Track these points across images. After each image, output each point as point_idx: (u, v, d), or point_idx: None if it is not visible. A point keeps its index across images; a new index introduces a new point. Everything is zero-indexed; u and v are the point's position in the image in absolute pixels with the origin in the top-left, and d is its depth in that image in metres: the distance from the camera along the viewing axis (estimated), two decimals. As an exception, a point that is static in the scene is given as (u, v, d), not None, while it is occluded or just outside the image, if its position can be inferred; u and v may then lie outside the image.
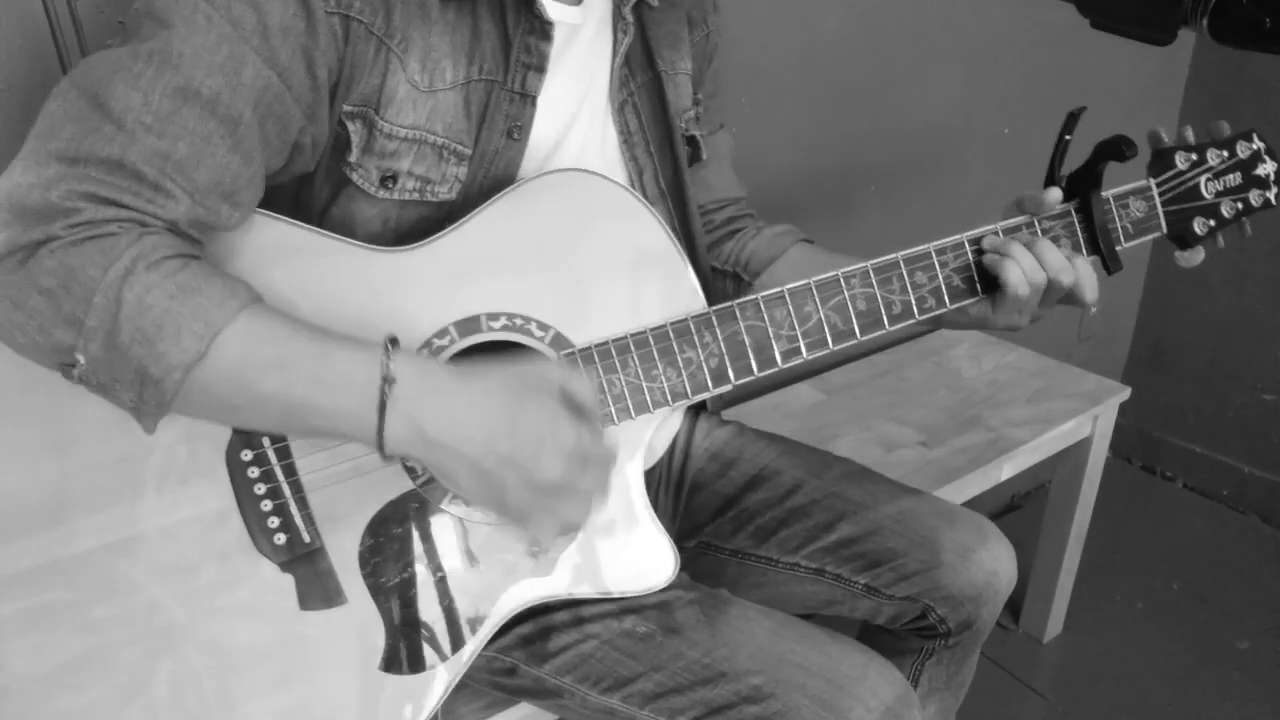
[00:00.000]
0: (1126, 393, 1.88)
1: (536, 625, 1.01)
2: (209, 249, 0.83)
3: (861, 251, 1.18)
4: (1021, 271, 0.97)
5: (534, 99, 0.95)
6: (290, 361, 0.75)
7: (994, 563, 1.14)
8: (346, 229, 0.91)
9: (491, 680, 1.06)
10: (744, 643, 0.97)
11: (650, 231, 0.97)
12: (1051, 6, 0.89)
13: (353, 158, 0.89)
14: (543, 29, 0.93)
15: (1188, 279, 1.06)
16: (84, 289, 0.71)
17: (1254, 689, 1.99)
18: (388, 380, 0.75)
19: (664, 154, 1.10)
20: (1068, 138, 1.01)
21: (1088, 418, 1.83)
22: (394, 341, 0.76)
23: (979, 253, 1.01)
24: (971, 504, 1.58)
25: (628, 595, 1.00)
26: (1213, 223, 1.07)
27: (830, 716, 0.92)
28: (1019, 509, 2.53)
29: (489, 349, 0.91)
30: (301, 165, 0.89)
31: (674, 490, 1.24)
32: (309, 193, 0.93)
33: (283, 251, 0.86)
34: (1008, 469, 1.70)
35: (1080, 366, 1.94)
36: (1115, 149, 0.98)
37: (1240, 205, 1.07)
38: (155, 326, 0.72)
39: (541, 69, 0.94)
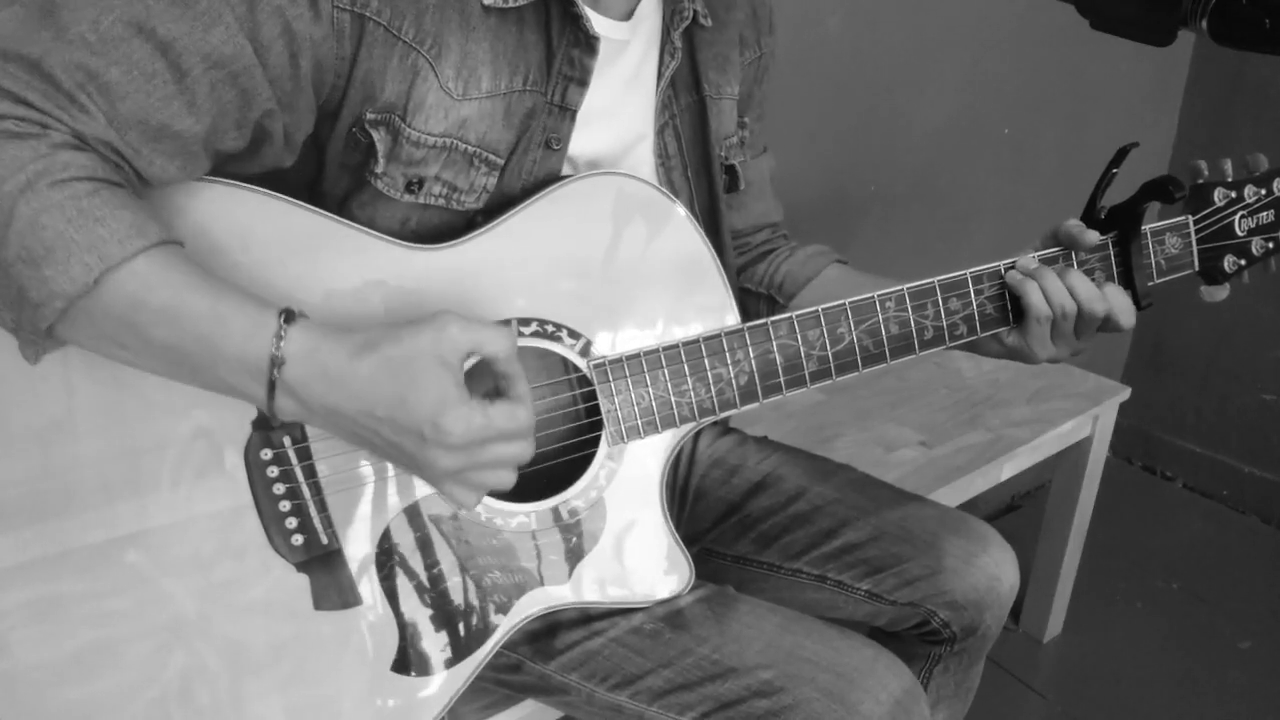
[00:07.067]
0: (1126, 393, 1.88)
1: (543, 622, 1.01)
2: (227, 240, 0.80)
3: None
4: (1042, 294, 0.96)
5: (573, 113, 0.93)
6: (183, 315, 0.72)
7: (996, 568, 1.14)
8: (365, 224, 0.88)
9: (496, 677, 1.06)
10: (753, 638, 0.98)
11: (687, 239, 0.95)
12: (1051, 6, 0.89)
13: (379, 168, 0.87)
14: (588, 43, 0.90)
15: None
16: None
17: (1254, 689, 1.99)
18: (276, 361, 0.72)
19: (700, 180, 1.07)
20: (1114, 171, 0.99)
21: (1088, 418, 1.83)
22: (289, 316, 0.74)
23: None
24: (971, 504, 1.59)
25: (641, 605, 1.00)
26: (1242, 261, 1.05)
27: (840, 709, 0.92)
28: (1019, 509, 2.53)
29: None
30: (273, 157, 0.85)
31: (677, 497, 1.24)
32: (323, 184, 0.90)
33: (310, 242, 0.84)
34: (1008, 469, 1.70)
35: (1080, 366, 1.94)
36: (1162, 189, 0.96)
37: (1271, 244, 1.05)
38: (45, 249, 0.67)
39: (584, 82, 0.92)
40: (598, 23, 0.91)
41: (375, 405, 0.74)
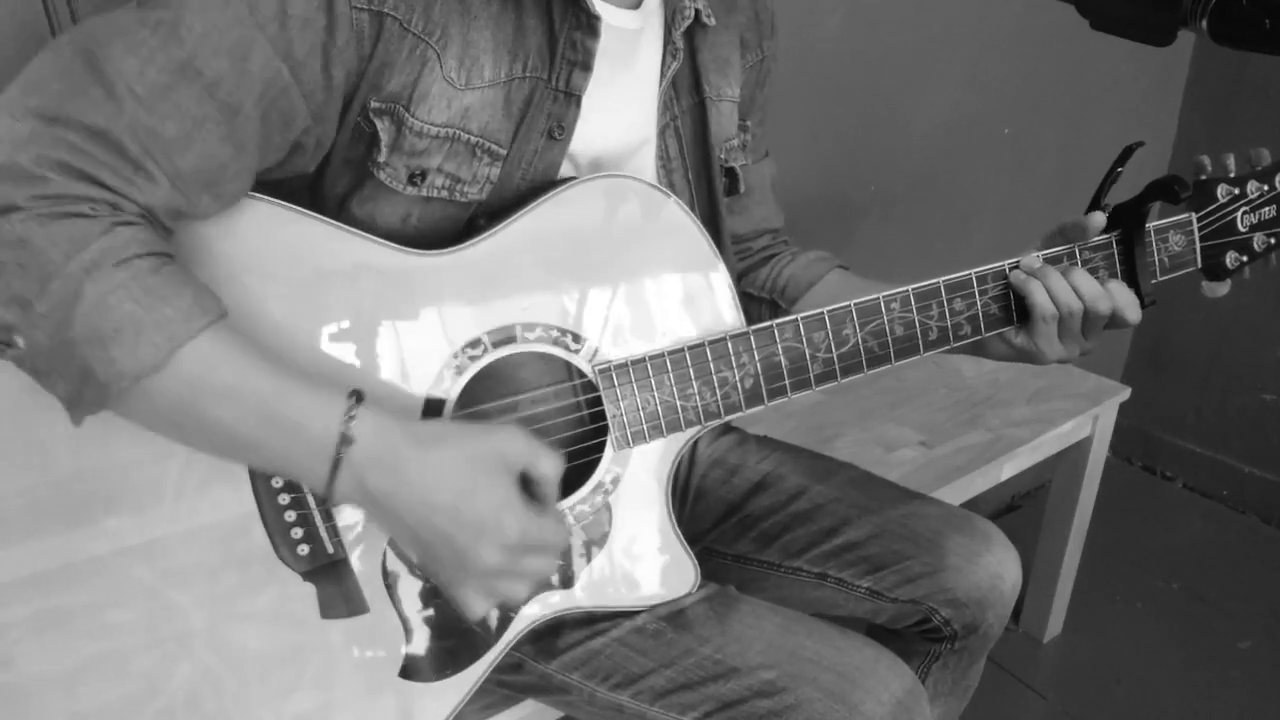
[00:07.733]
0: (1126, 393, 1.88)
1: (546, 621, 1.00)
2: (233, 248, 0.81)
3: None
4: (1047, 293, 0.96)
5: (578, 98, 0.92)
6: (245, 393, 0.72)
7: (998, 566, 1.14)
8: (365, 223, 0.88)
9: (497, 677, 1.05)
10: (755, 638, 0.98)
11: (691, 243, 0.95)
12: (1051, 6, 0.89)
13: (381, 157, 0.86)
14: (589, 25, 0.89)
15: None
16: (41, 271, 0.67)
17: (1254, 689, 1.99)
18: (345, 440, 0.73)
19: (700, 182, 1.07)
20: (1119, 170, 1.00)
21: (1088, 418, 1.83)
22: (359, 396, 0.75)
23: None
24: (971, 504, 1.59)
25: (646, 608, 1.00)
26: (1244, 258, 1.06)
27: (842, 709, 0.92)
28: (1019, 509, 2.53)
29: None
30: (299, 165, 0.86)
31: (678, 497, 1.24)
32: (324, 184, 0.90)
33: (311, 251, 0.84)
34: (1008, 469, 1.70)
35: (1080, 366, 1.94)
36: (1167, 189, 0.97)
37: (1272, 240, 1.06)
38: (113, 330, 0.68)
39: (587, 66, 0.91)
40: (601, 7, 0.90)
41: (439, 493, 0.75)
